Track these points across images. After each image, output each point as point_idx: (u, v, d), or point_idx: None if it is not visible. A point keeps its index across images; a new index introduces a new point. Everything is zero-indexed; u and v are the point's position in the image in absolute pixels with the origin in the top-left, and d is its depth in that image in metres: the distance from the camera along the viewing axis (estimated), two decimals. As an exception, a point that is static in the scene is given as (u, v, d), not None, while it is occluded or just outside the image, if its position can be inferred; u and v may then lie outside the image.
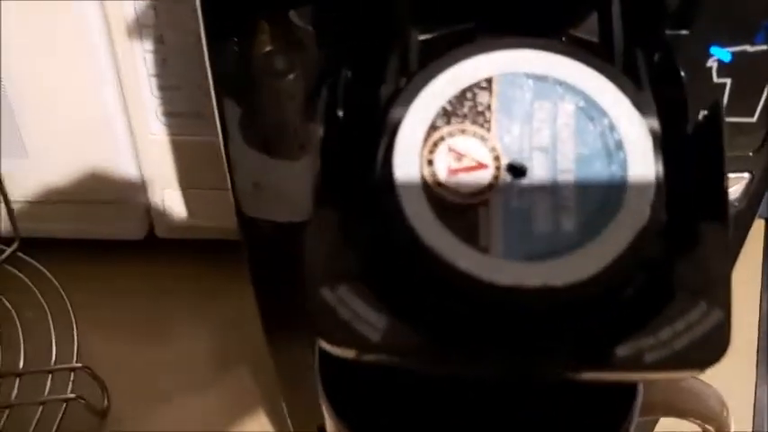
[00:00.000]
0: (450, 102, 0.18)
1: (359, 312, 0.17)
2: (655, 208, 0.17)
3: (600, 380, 0.17)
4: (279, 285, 0.34)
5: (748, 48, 0.24)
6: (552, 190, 0.17)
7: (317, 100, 0.23)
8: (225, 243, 0.49)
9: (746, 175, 0.27)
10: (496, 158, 0.17)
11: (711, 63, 0.24)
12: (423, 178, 0.17)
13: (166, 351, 0.48)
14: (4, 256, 0.48)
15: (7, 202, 0.48)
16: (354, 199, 0.18)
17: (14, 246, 0.49)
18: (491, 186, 0.17)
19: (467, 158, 0.17)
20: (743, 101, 0.25)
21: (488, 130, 0.17)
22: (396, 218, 0.17)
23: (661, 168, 0.17)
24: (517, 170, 0.17)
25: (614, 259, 0.16)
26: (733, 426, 0.28)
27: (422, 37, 0.20)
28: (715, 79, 0.24)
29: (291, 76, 0.26)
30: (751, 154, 0.26)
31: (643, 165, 0.17)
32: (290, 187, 0.30)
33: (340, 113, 0.20)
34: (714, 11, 0.23)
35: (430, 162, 0.17)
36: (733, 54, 0.24)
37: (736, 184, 0.27)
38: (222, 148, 0.29)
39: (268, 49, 0.25)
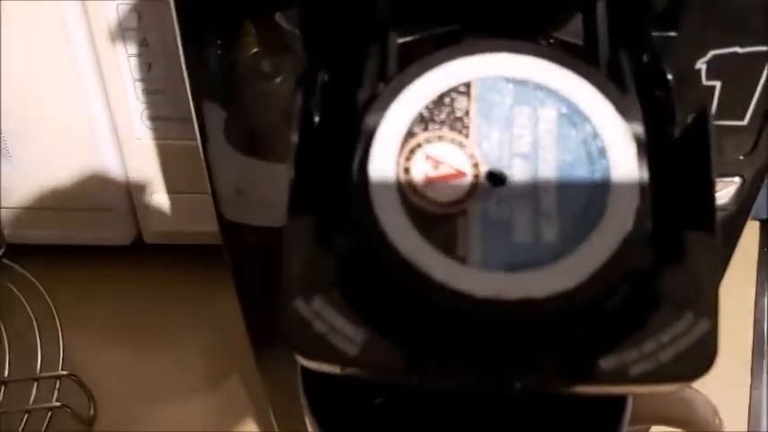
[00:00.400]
0: (427, 107, 0.17)
1: (335, 325, 0.16)
2: (639, 216, 0.16)
3: (583, 393, 0.17)
4: (262, 291, 0.33)
5: (738, 49, 0.23)
6: (533, 198, 0.16)
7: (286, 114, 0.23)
8: (213, 248, 0.48)
9: (737, 179, 0.27)
10: (475, 166, 0.17)
11: (700, 65, 0.24)
12: (399, 186, 0.16)
13: (154, 358, 0.47)
14: (-12, 262, 0.48)
15: (-8, 208, 0.48)
16: (330, 207, 0.17)
17: (0, 251, 0.48)
18: (469, 195, 0.17)
19: (444, 166, 0.17)
20: (733, 104, 0.25)
21: (467, 136, 0.17)
22: (371, 227, 0.16)
23: (646, 175, 0.17)
24: (497, 178, 0.17)
25: (597, 270, 0.16)
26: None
27: (401, 40, 0.20)
28: (704, 81, 0.24)
29: (278, 79, 0.25)
30: (742, 157, 0.26)
31: (627, 172, 0.17)
32: (273, 193, 0.29)
33: (316, 119, 0.19)
34: (703, 12, 0.23)
35: (407, 170, 0.17)
36: (723, 56, 0.23)
37: (727, 188, 0.27)
38: (201, 153, 0.28)
39: (254, 51, 0.25)
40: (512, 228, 0.16)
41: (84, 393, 0.43)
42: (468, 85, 0.17)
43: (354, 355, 0.16)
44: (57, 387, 0.42)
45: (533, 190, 0.16)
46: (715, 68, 0.24)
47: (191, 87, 0.26)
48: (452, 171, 0.17)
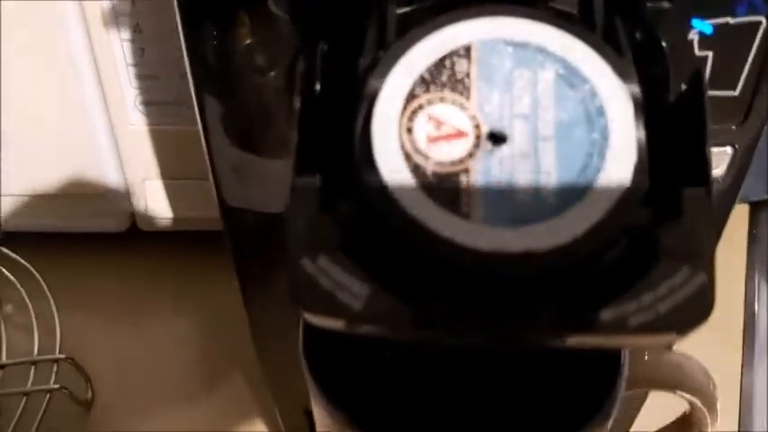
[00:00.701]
0: (428, 70, 0.17)
1: (340, 282, 0.17)
2: (636, 173, 0.17)
3: (584, 344, 0.17)
4: (261, 270, 0.33)
5: (730, 20, 0.24)
6: (533, 157, 0.17)
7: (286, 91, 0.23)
8: (208, 234, 0.49)
9: (729, 149, 0.27)
10: (476, 126, 0.17)
11: (693, 36, 0.24)
12: (402, 147, 0.17)
13: (148, 341, 0.47)
14: (-16, 250, 0.48)
15: (-13, 196, 0.48)
16: (334, 169, 0.17)
17: (-5, 239, 0.48)
18: (471, 154, 0.17)
19: (446, 126, 0.17)
20: (725, 74, 0.25)
21: (468, 98, 0.17)
22: (376, 187, 0.17)
23: (643, 134, 0.17)
24: (497, 137, 0.17)
25: (596, 224, 0.16)
26: (719, 397, 0.29)
27: (400, 10, 0.20)
28: (696, 52, 0.24)
29: (272, 73, 0.25)
30: (734, 128, 0.26)
31: (624, 130, 0.17)
32: (270, 176, 0.29)
33: (317, 87, 0.20)
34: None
35: (409, 130, 0.17)
36: (715, 26, 0.24)
37: (720, 158, 0.27)
38: (202, 136, 0.28)
39: (248, 42, 0.25)
40: (513, 185, 0.16)
41: (81, 376, 0.43)
42: (468, 48, 0.18)
43: (359, 309, 0.17)
44: (54, 370, 0.43)
45: (533, 149, 0.17)
46: (707, 39, 0.24)
47: (192, 75, 0.27)
48: (454, 131, 0.17)
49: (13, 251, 0.48)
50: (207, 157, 0.29)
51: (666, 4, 0.23)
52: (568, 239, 0.16)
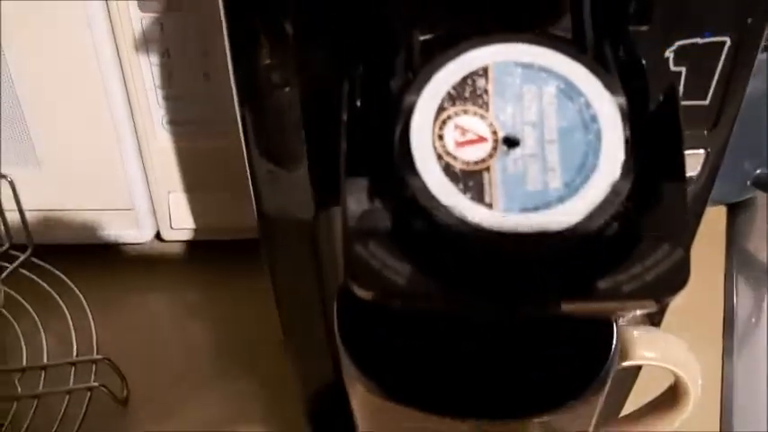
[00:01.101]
0: (454, 87, 0.21)
1: (387, 263, 0.21)
2: (624, 168, 0.21)
3: (586, 309, 0.21)
4: (292, 268, 0.37)
5: (698, 40, 0.28)
6: (541, 156, 0.21)
7: (320, 106, 0.26)
8: (226, 242, 0.52)
9: (702, 151, 0.31)
10: (494, 133, 0.21)
11: (669, 54, 0.28)
12: (435, 150, 0.21)
13: (178, 342, 0.50)
14: (18, 261, 0.51)
15: (21, 210, 0.51)
16: (379, 170, 0.21)
17: (28, 252, 0.51)
18: (491, 155, 0.21)
19: (470, 133, 0.21)
20: (696, 86, 0.29)
21: (487, 109, 0.21)
22: (416, 183, 0.20)
23: (629, 137, 0.21)
24: (511, 141, 0.21)
25: (593, 209, 0.20)
26: (699, 371, 0.32)
27: (422, 38, 0.24)
28: (672, 67, 0.28)
29: (298, 85, 0.28)
30: (706, 133, 0.30)
31: (614, 134, 0.21)
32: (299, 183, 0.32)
33: (358, 103, 0.23)
34: (669, 10, 0.27)
35: (440, 137, 0.21)
36: (686, 46, 0.28)
37: (695, 160, 0.31)
38: (243, 145, 0.31)
39: (267, 62, 0.29)
40: (525, 180, 0.20)
41: (117, 375, 0.47)
42: (485, 69, 0.22)
43: (402, 284, 0.20)
44: (93, 371, 0.46)
45: (541, 150, 0.21)
46: (680, 56, 0.28)
47: (236, 86, 0.30)
48: (476, 137, 0.21)
49: (47, 262, 0.51)
50: (247, 164, 0.32)
51: (645, 28, 0.27)
52: (571, 222, 0.20)
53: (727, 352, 0.51)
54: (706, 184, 0.32)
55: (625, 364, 0.31)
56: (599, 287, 0.20)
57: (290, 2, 0.26)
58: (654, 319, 0.37)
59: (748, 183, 0.55)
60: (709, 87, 0.29)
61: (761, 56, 0.54)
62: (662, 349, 0.31)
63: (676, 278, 0.20)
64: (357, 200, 0.21)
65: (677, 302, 0.54)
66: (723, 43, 0.28)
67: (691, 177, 0.32)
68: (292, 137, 0.31)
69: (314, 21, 0.27)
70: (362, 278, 0.21)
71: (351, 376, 0.28)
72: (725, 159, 0.56)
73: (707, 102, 0.29)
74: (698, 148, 0.31)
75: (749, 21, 0.27)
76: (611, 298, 0.20)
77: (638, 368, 0.40)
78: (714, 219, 0.58)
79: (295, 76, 0.28)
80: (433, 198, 0.20)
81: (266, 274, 0.37)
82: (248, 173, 0.32)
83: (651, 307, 0.21)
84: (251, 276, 0.39)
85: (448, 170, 0.21)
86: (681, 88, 0.29)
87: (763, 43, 0.28)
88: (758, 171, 0.55)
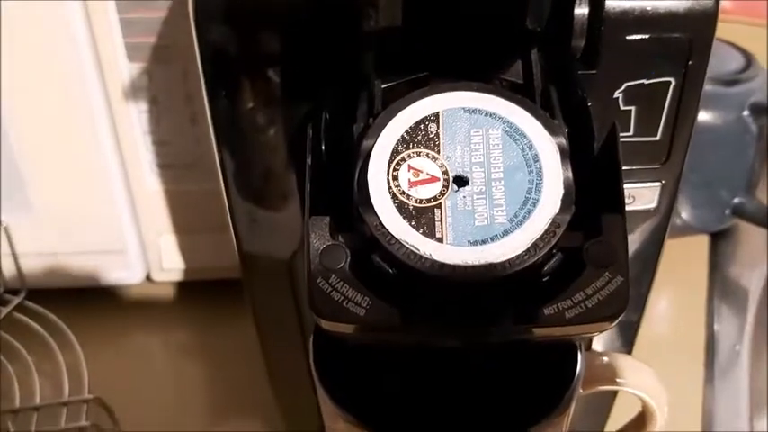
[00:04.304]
0: (407, 132, 0.23)
1: (348, 295, 0.22)
2: (564, 202, 0.22)
3: (534, 336, 0.22)
4: (274, 306, 0.38)
5: (645, 81, 0.30)
6: (488, 193, 0.22)
7: (294, 150, 0.28)
8: (215, 282, 0.54)
9: (658, 183, 0.33)
10: (445, 173, 0.23)
11: (618, 95, 0.30)
12: (390, 190, 0.23)
13: (165, 381, 0.51)
14: (12, 305, 0.52)
15: (14, 254, 0.52)
16: (340, 209, 0.23)
17: (22, 295, 0.53)
18: (442, 194, 0.23)
19: (422, 173, 0.23)
20: (647, 124, 0.31)
21: (438, 152, 0.23)
22: (372, 221, 0.22)
23: (569, 174, 0.23)
24: (461, 180, 0.23)
25: (535, 240, 0.22)
26: (666, 397, 0.34)
27: (384, 85, 0.26)
28: (622, 107, 0.30)
29: (272, 131, 0.30)
30: (659, 166, 0.32)
31: (554, 172, 0.23)
32: (281, 220, 0.34)
33: (323, 147, 0.25)
34: (615, 54, 0.29)
35: (395, 177, 0.23)
36: (633, 86, 0.30)
37: (652, 192, 0.33)
38: (223, 188, 0.33)
39: (251, 105, 0.30)
40: (473, 215, 0.22)
41: (108, 415, 0.48)
42: (437, 114, 0.24)
43: (362, 315, 0.22)
44: (85, 410, 0.47)
45: (488, 188, 0.23)
46: (629, 97, 0.30)
47: (214, 136, 0.31)
48: (429, 177, 0.23)
49: (40, 305, 0.53)
50: (227, 206, 0.33)
51: (593, 72, 0.29)
52: (516, 253, 0.22)
53: (709, 378, 0.52)
54: (665, 213, 0.34)
55: (593, 389, 0.32)
56: (544, 313, 0.22)
57: (265, 54, 0.28)
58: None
59: (726, 212, 0.56)
60: (659, 124, 0.30)
61: (728, 89, 0.57)
62: (629, 375, 0.32)
63: (616, 304, 0.22)
64: (319, 236, 0.23)
65: (660, 329, 0.55)
66: (668, 83, 0.29)
67: (648, 209, 0.33)
68: (271, 179, 0.33)
69: (287, 72, 0.29)
70: (324, 310, 0.22)
71: (327, 409, 0.29)
72: (703, 190, 0.58)
73: (657, 137, 0.31)
74: (653, 181, 0.33)
75: (690, 63, 0.29)
76: (556, 324, 0.22)
77: (614, 395, 0.41)
78: (697, 247, 0.59)
79: (273, 124, 0.30)
80: (388, 234, 0.22)
81: (250, 313, 0.38)
82: (228, 215, 0.34)
83: (595, 332, 0.22)
84: (240, 315, 0.41)
85: (402, 208, 0.22)
86: (632, 126, 0.30)
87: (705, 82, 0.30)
88: (736, 200, 0.56)
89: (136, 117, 0.48)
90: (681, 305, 0.57)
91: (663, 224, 0.34)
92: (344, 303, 0.22)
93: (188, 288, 0.55)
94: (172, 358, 0.53)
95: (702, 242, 0.59)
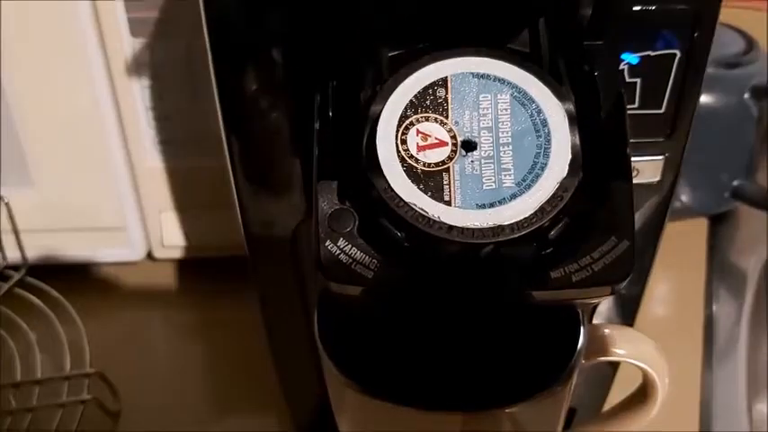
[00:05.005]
0: (416, 97, 0.23)
1: (356, 258, 0.22)
2: (572, 167, 0.22)
3: (541, 298, 0.23)
4: (277, 280, 0.38)
5: (651, 53, 0.30)
6: (496, 158, 0.23)
7: (301, 124, 0.28)
8: (216, 259, 0.54)
9: (661, 157, 0.33)
10: (453, 137, 0.23)
11: (623, 66, 0.30)
12: (399, 154, 0.23)
13: (166, 357, 0.52)
14: (13, 280, 0.52)
15: (16, 230, 0.52)
16: (348, 173, 0.23)
17: (23, 271, 0.53)
18: (450, 158, 0.23)
19: (431, 138, 0.23)
20: (652, 96, 0.30)
21: (446, 116, 0.23)
22: (382, 184, 0.22)
23: (577, 139, 0.23)
24: (469, 145, 0.23)
25: (542, 204, 0.22)
26: (667, 369, 0.34)
27: (391, 54, 0.26)
28: (627, 79, 0.30)
29: (279, 105, 0.30)
30: (663, 139, 0.32)
31: (562, 137, 0.23)
32: (284, 197, 0.34)
33: (330, 113, 0.25)
34: (622, 25, 0.29)
35: (404, 141, 0.23)
36: (640, 58, 0.30)
37: (656, 165, 0.33)
38: (228, 163, 0.33)
39: (258, 80, 0.30)
40: (481, 179, 0.22)
41: (109, 389, 0.48)
42: (445, 80, 0.24)
43: (370, 278, 0.22)
44: (86, 385, 0.47)
45: (496, 152, 0.23)
46: (635, 68, 0.30)
47: (221, 109, 0.31)
48: (437, 141, 0.23)
49: (41, 281, 0.53)
50: (232, 182, 0.33)
51: (600, 43, 0.29)
52: (523, 216, 0.22)
53: (708, 359, 0.52)
54: (668, 188, 0.34)
55: (595, 360, 0.32)
56: (551, 276, 0.22)
57: (271, 28, 0.28)
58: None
59: (726, 195, 0.56)
60: (664, 97, 0.30)
61: (729, 72, 0.57)
62: (631, 346, 0.32)
63: (622, 267, 0.22)
64: (328, 200, 0.23)
65: (659, 311, 0.55)
66: (674, 55, 0.29)
67: (652, 182, 0.34)
68: (276, 157, 0.32)
69: (294, 45, 0.29)
70: (333, 272, 0.22)
71: (333, 381, 0.29)
72: (703, 173, 0.58)
73: (662, 110, 0.31)
74: (657, 154, 0.33)
75: (695, 35, 0.29)
76: (563, 287, 0.22)
77: (615, 368, 0.41)
78: (695, 230, 0.60)
79: (279, 99, 0.30)
80: (396, 197, 0.22)
81: (251, 290, 0.38)
82: (233, 190, 0.34)
83: (601, 295, 0.22)
84: (242, 292, 0.41)
85: (410, 172, 0.22)
86: (637, 98, 0.30)
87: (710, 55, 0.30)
88: (735, 183, 0.56)
89: (138, 92, 0.48)
90: (680, 287, 0.57)
91: (666, 198, 0.34)
92: (353, 266, 0.22)
93: (189, 265, 0.55)
94: (173, 334, 0.53)
95: (702, 225, 0.59)
